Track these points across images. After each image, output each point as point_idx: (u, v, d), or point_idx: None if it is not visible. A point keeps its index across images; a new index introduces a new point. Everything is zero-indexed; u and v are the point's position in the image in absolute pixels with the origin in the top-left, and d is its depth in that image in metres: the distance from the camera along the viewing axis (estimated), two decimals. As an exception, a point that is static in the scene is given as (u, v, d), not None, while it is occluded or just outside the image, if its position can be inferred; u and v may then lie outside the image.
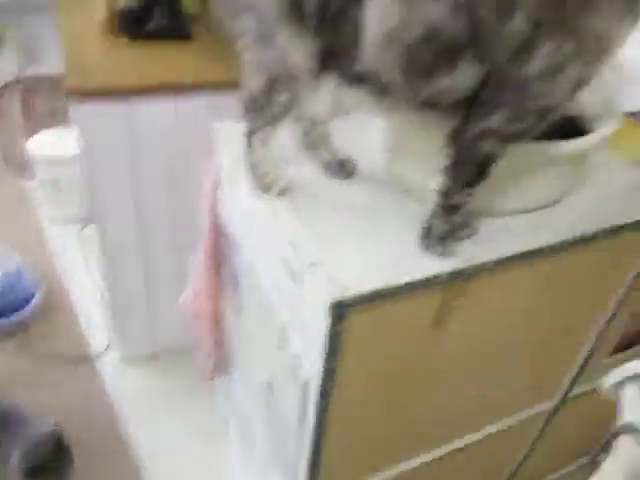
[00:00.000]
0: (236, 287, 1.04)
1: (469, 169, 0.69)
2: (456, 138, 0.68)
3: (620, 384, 0.70)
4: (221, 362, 1.25)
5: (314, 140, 0.87)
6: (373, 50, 0.63)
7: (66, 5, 1.72)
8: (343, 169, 0.86)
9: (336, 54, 0.67)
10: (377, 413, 0.86)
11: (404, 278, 0.68)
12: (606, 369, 1.18)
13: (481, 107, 0.64)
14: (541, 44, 0.58)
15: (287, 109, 0.76)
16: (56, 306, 1.96)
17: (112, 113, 1.35)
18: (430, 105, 0.67)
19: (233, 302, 1.08)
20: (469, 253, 0.73)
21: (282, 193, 0.81)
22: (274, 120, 0.78)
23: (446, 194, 0.72)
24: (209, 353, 1.23)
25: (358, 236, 0.74)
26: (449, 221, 0.73)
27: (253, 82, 0.76)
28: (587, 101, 0.79)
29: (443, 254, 0.72)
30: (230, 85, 1.39)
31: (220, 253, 1.10)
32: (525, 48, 0.58)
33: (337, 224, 0.76)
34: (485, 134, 0.66)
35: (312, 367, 0.74)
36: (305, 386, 0.78)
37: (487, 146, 0.66)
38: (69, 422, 1.50)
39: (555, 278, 0.85)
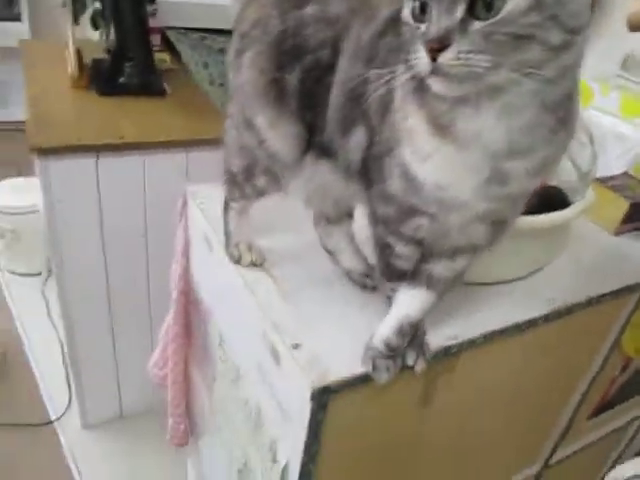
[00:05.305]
0: (207, 357, 0.99)
1: (378, 256, 0.64)
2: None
3: None
4: (191, 430, 1.18)
5: (332, 245, 0.80)
6: (331, 111, 0.61)
7: (33, 57, 1.69)
8: (366, 281, 0.77)
9: (315, 133, 0.64)
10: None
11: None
12: (585, 432, 1.18)
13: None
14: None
15: (266, 191, 0.73)
16: (15, 368, 1.87)
17: (77, 169, 1.31)
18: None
19: (205, 372, 1.03)
20: (456, 329, 0.70)
21: (254, 265, 0.78)
22: (252, 198, 0.75)
23: (380, 281, 0.67)
24: (178, 419, 1.16)
25: (343, 316, 0.71)
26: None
27: (233, 162, 0.73)
28: (564, 175, 0.79)
29: (372, 369, 0.63)
30: (203, 143, 1.39)
31: (191, 320, 1.05)
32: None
33: (320, 301, 0.73)
34: (372, 216, 0.62)
35: (292, 449, 0.70)
36: (285, 469, 0.73)
37: (380, 230, 0.62)
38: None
39: (537, 348, 0.83)
